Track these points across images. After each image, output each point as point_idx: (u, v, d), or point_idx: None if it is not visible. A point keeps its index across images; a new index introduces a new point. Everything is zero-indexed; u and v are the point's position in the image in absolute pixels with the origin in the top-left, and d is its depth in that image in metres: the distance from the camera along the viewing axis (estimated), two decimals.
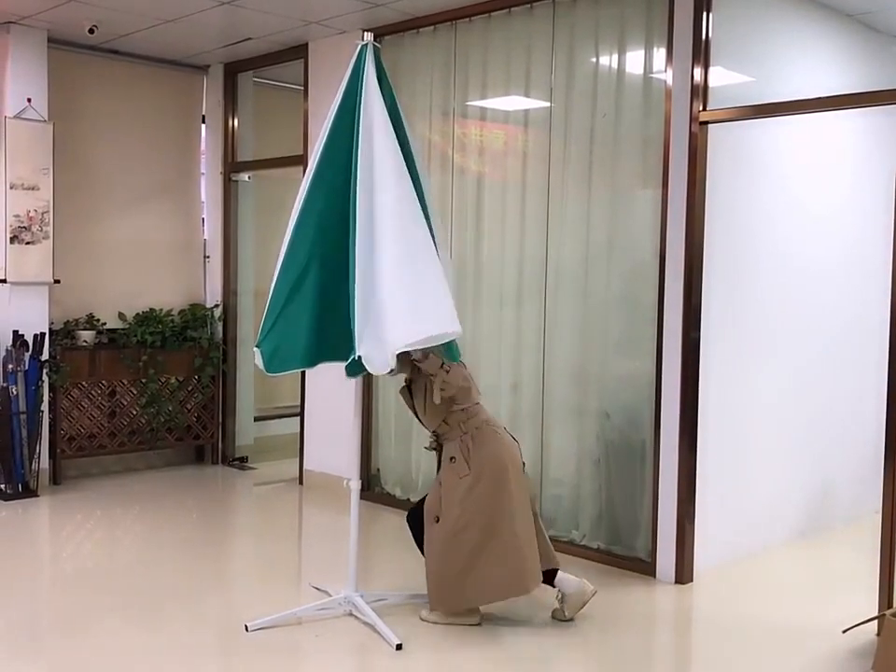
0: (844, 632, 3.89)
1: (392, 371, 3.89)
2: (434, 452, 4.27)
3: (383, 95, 4.06)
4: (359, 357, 3.78)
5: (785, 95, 4.60)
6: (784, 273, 5.33)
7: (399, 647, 3.83)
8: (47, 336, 6.34)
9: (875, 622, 3.91)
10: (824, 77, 5.31)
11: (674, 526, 4.73)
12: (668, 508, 4.75)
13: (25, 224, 6.26)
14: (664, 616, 4.61)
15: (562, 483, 5.33)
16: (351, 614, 4.15)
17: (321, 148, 4.08)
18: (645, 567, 4.84)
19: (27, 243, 6.28)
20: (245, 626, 3.97)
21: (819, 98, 4.42)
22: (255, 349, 3.99)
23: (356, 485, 4.19)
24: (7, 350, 6.13)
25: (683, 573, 4.72)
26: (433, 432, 4.22)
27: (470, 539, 3.99)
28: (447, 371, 4.07)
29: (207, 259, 7.52)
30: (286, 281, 4.01)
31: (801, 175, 5.45)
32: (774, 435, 5.31)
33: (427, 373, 4.07)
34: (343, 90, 4.09)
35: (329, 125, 4.09)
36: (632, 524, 5.01)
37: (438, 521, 4.04)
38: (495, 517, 4.00)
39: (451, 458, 4.09)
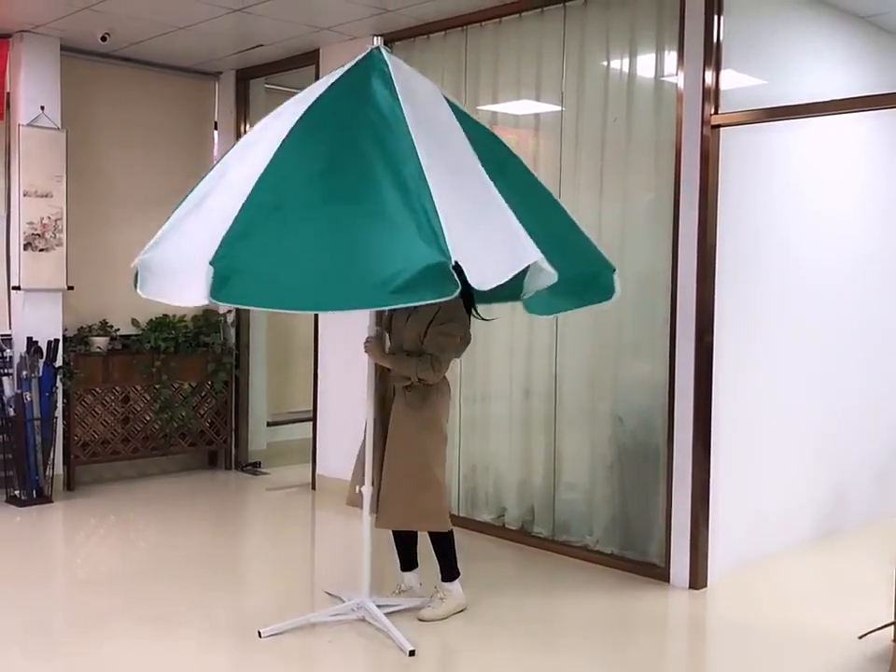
0: (860, 638, 3.87)
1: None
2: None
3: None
4: (456, 262, 3.23)
5: (798, 98, 4.58)
6: (798, 276, 5.31)
7: (412, 653, 3.83)
8: (60, 342, 6.36)
9: (892, 627, 3.88)
10: (837, 80, 5.28)
11: (688, 531, 4.71)
12: (682, 513, 4.72)
13: (39, 231, 6.29)
14: (677, 622, 4.58)
15: (575, 487, 5.31)
16: (364, 620, 4.14)
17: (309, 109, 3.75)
18: (659, 573, 4.82)
19: (41, 250, 6.31)
20: (259, 632, 3.98)
21: (833, 101, 4.41)
22: (208, 266, 3.28)
23: (368, 491, 4.18)
24: (21, 357, 6.15)
25: (697, 578, 4.70)
26: (403, 350, 4.13)
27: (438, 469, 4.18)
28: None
29: None
30: (265, 195, 3.45)
31: (814, 178, 5.42)
32: (788, 439, 5.28)
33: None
34: (346, 73, 3.92)
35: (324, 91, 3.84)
36: (645, 529, 4.99)
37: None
38: (442, 458, 4.21)
39: (406, 387, 4.10)
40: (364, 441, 4.28)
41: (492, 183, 3.65)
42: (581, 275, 4.03)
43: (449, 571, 4.30)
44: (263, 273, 3.35)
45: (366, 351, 4.13)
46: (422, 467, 4.12)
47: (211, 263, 3.28)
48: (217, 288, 3.28)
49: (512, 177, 3.96)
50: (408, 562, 4.45)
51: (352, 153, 3.59)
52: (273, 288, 3.36)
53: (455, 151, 3.76)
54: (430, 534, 4.28)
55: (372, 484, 4.16)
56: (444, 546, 4.28)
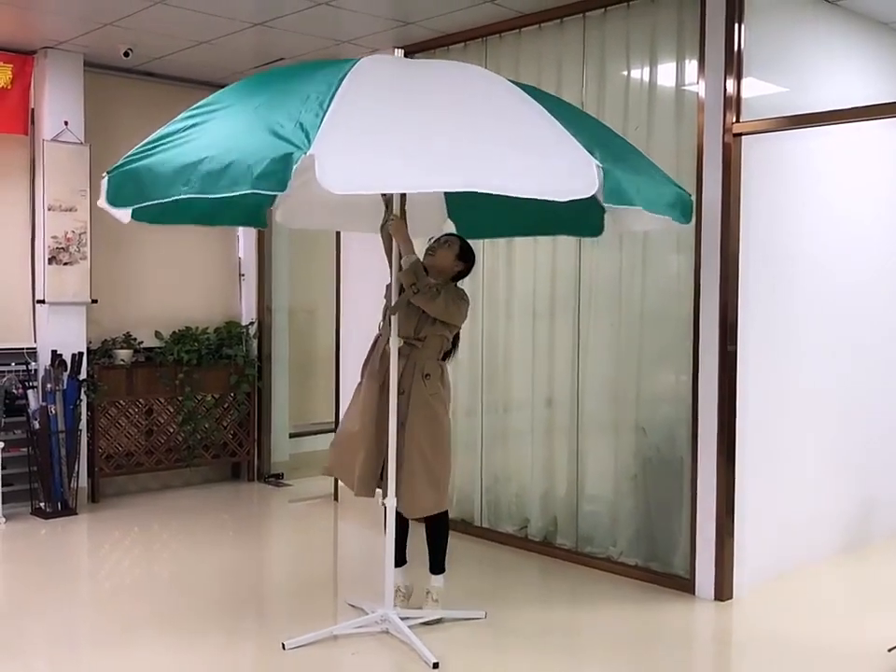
0: (889, 651, 3.82)
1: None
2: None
3: None
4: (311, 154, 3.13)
5: (820, 105, 4.55)
6: (823, 285, 5.26)
7: (435, 665, 3.81)
8: (85, 355, 6.41)
9: None
10: (860, 86, 5.25)
11: (713, 543, 4.67)
12: (707, 524, 4.69)
13: (63, 245, 6.35)
14: (703, 634, 4.55)
15: (599, 499, 5.29)
16: (387, 632, 4.14)
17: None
18: (684, 584, 4.79)
19: (65, 263, 6.36)
20: (283, 644, 3.97)
21: (855, 108, 4.38)
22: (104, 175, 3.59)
23: (391, 502, 4.18)
24: (45, 370, 6.20)
25: (723, 590, 4.66)
26: (416, 338, 4.23)
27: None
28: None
29: (242, 277, 7.58)
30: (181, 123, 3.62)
31: (839, 185, 5.38)
32: (814, 448, 5.23)
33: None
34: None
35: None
36: (670, 540, 4.95)
37: (402, 427, 4.17)
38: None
39: (426, 374, 4.21)
40: (344, 424, 4.41)
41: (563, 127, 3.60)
42: (669, 190, 3.99)
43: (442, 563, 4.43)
44: (138, 176, 3.47)
45: (392, 230, 4.14)
46: (446, 449, 4.26)
47: (107, 172, 3.55)
48: (113, 196, 3.55)
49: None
50: (401, 558, 4.44)
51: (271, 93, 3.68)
52: (141, 187, 3.46)
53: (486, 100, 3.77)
54: (434, 522, 4.35)
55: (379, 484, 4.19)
56: (445, 530, 4.40)
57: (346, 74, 3.59)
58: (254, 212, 4.62)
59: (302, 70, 3.92)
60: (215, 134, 3.46)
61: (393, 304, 4.18)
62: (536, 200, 3.33)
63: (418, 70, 3.95)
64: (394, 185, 3.59)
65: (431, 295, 4.13)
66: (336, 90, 3.46)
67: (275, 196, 4.48)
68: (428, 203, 4.63)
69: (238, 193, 3.26)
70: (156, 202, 3.54)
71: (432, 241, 4.42)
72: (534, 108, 3.68)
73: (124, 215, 3.91)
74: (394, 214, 4.17)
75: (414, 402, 4.19)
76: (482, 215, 4.53)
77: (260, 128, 3.33)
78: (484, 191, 3.39)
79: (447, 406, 4.33)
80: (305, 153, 3.12)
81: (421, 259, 4.25)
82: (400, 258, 4.15)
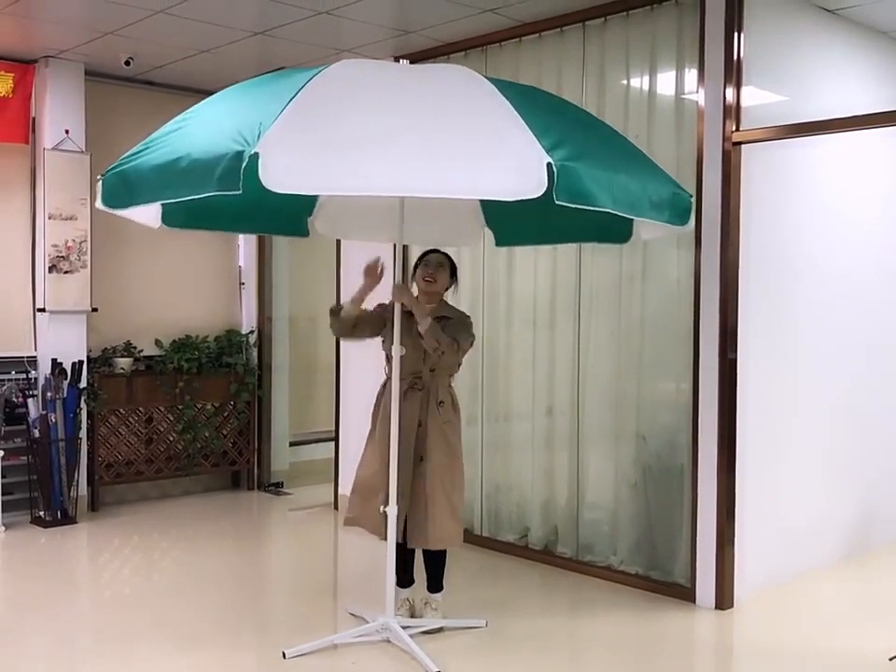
0: (891, 659, 3.81)
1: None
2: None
3: None
4: (256, 153, 3.11)
5: (820, 114, 4.56)
6: (824, 292, 5.27)
7: None
8: (85, 364, 6.41)
9: None
10: (860, 95, 5.27)
11: (713, 551, 4.66)
12: (707, 532, 4.68)
13: (63, 254, 6.36)
14: (704, 643, 4.54)
15: (599, 507, 5.28)
16: (388, 641, 4.13)
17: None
18: (684, 593, 4.78)
19: (65, 272, 6.37)
20: (283, 653, 3.96)
21: (855, 116, 4.39)
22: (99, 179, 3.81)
23: (392, 511, 4.16)
24: (46, 378, 6.20)
25: (723, 599, 4.65)
26: (428, 371, 4.23)
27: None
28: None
29: (243, 286, 7.58)
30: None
31: (839, 192, 5.39)
32: (816, 455, 5.23)
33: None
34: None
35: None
36: (670, 549, 4.95)
37: (422, 460, 4.20)
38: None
39: (440, 402, 4.23)
40: (360, 471, 4.42)
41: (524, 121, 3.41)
42: (660, 189, 3.79)
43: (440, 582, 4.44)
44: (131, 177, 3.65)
45: (397, 296, 4.13)
46: (462, 480, 4.31)
47: (101, 175, 3.75)
48: (107, 197, 3.76)
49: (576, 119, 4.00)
50: (409, 579, 4.47)
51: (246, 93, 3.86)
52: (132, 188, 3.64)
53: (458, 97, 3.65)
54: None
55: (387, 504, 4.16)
56: (444, 552, 4.41)
57: (314, 76, 3.59)
58: (293, 221, 4.64)
59: (285, 74, 3.96)
60: (194, 136, 3.52)
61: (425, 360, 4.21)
62: (567, 206, 3.27)
63: (388, 72, 3.94)
64: (327, 188, 3.54)
65: (455, 350, 4.18)
66: (299, 91, 3.46)
67: (314, 204, 4.52)
68: (465, 211, 4.61)
69: (206, 195, 3.28)
70: (145, 203, 3.68)
71: (422, 264, 4.36)
72: (496, 103, 3.51)
73: (154, 220, 4.02)
74: (395, 283, 4.17)
75: (431, 434, 4.22)
76: (517, 222, 4.51)
77: (229, 128, 3.35)
78: (419, 196, 3.46)
79: (459, 432, 4.36)
80: (252, 151, 3.13)
81: (412, 282, 4.34)
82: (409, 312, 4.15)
